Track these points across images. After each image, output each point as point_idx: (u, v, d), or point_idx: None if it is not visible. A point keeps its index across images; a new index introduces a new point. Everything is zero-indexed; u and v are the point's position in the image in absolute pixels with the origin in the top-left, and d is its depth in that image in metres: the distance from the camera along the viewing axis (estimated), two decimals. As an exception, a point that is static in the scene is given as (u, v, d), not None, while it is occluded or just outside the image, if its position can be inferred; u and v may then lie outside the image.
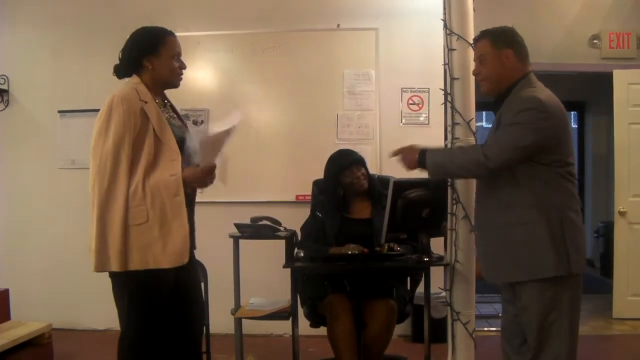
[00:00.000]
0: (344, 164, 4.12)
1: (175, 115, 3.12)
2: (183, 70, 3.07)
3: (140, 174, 2.76)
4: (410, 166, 3.15)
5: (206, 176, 2.88)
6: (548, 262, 2.79)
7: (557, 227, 2.82)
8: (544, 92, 2.89)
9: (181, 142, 2.95)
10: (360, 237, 3.93)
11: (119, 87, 2.90)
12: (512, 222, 2.87)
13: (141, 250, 2.74)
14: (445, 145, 3.80)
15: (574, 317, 2.89)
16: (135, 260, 2.73)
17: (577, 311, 2.92)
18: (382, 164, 5.52)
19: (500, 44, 3.00)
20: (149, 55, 2.94)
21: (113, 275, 2.81)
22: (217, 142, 2.93)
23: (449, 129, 3.73)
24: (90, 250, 2.81)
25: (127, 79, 2.98)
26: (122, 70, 3.00)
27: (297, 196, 5.53)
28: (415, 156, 3.08)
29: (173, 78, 3.03)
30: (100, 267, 2.74)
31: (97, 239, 2.72)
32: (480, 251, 3.15)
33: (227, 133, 2.96)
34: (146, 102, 2.84)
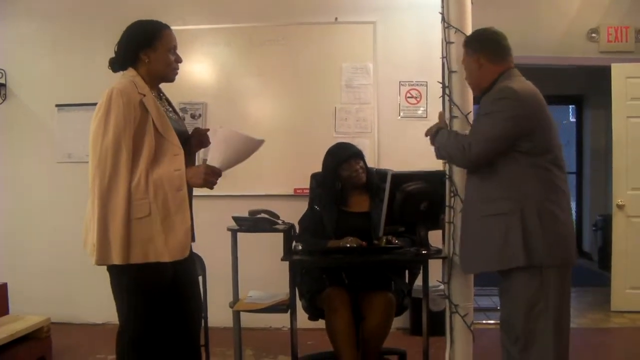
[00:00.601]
0: (342, 156, 4.12)
1: (171, 109, 3.11)
2: (179, 64, 3.06)
3: (142, 167, 2.74)
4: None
5: (208, 177, 2.85)
6: (518, 253, 2.84)
7: (533, 219, 2.86)
8: (519, 83, 2.97)
9: (180, 136, 2.95)
10: (359, 230, 3.93)
11: (116, 81, 2.89)
12: (489, 213, 2.94)
13: (143, 243, 2.73)
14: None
15: (562, 308, 2.91)
16: (137, 254, 2.72)
17: (566, 303, 2.95)
18: (380, 157, 5.53)
19: (471, 51, 3.14)
20: (146, 49, 2.92)
21: (112, 268, 2.80)
22: (237, 147, 2.94)
23: (447, 122, 3.73)
24: (86, 245, 2.81)
25: (122, 72, 2.97)
26: (117, 64, 2.98)
27: (295, 189, 5.53)
28: (433, 131, 3.28)
29: (169, 72, 3.01)
30: (101, 260, 2.72)
31: (99, 233, 2.69)
32: (462, 241, 3.22)
33: (252, 144, 3.02)
34: (144, 95, 2.83)
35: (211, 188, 2.90)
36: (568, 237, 2.95)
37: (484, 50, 3.08)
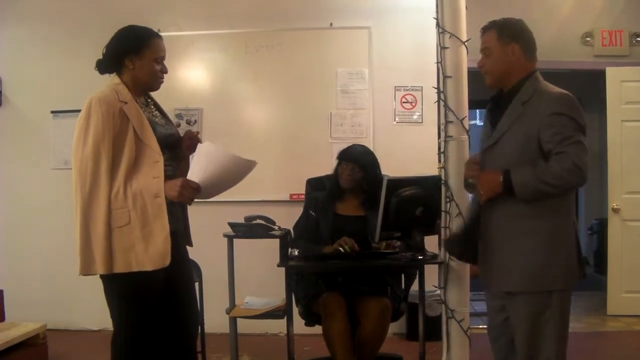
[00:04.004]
0: (342, 155, 4.18)
1: (159, 114, 3.10)
2: (164, 75, 3.03)
3: (122, 176, 2.75)
4: (495, 190, 2.83)
5: (184, 190, 2.80)
6: (561, 274, 2.76)
7: (573, 238, 2.81)
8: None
9: (166, 139, 2.96)
10: (355, 233, 3.93)
11: (98, 90, 2.89)
12: (527, 231, 2.81)
13: (124, 252, 2.74)
14: (439, 144, 3.79)
15: (566, 316, 2.85)
16: (119, 263, 2.74)
17: (569, 311, 2.88)
18: (376, 162, 5.53)
19: (507, 38, 2.93)
20: (131, 55, 2.92)
21: (103, 276, 2.81)
22: (222, 165, 2.90)
23: (442, 127, 3.73)
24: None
25: (109, 76, 2.97)
26: (103, 66, 2.99)
27: (291, 195, 5.53)
28: (499, 179, 2.80)
29: (153, 81, 3.00)
30: (85, 270, 2.76)
31: (82, 243, 2.73)
32: (490, 259, 2.99)
33: (240, 164, 2.96)
34: (126, 103, 2.83)
35: (189, 203, 2.91)
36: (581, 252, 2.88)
37: (521, 40, 2.93)
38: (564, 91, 2.84)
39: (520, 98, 2.88)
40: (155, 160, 2.83)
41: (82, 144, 2.74)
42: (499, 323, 3.01)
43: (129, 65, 2.92)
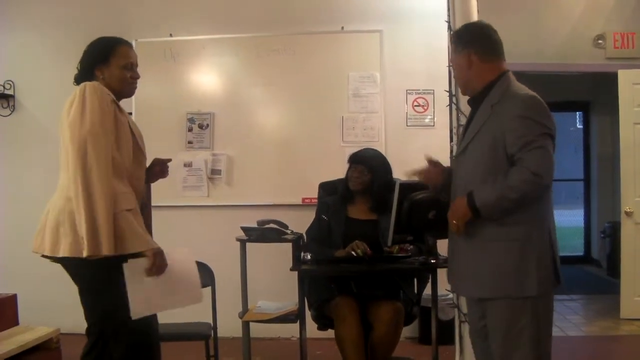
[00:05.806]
0: (351, 157, 4.21)
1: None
2: (136, 80, 3.04)
3: (125, 161, 2.82)
4: (466, 216, 2.82)
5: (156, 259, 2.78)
6: (532, 280, 2.69)
7: (546, 243, 2.75)
8: (530, 92, 2.79)
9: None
10: (367, 237, 3.93)
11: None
12: (503, 237, 2.75)
13: (134, 235, 2.72)
14: (451, 147, 3.79)
15: (544, 323, 2.78)
16: (130, 244, 2.71)
17: (548, 317, 2.82)
18: (388, 166, 5.53)
19: (460, 46, 2.92)
20: (100, 65, 2.94)
21: (94, 261, 2.76)
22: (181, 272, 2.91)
23: (454, 130, 3.73)
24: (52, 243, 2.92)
25: None
26: (80, 81, 3.00)
27: (303, 199, 5.53)
28: (464, 204, 2.80)
29: (124, 88, 3.00)
30: (94, 250, 2.69)
31: (88, 224, 2.67)
32: (461, 267, 2.98)
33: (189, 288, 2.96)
34: (114, 98, 2.88)
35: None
36: (557, 258, 2.82)
37: (474, 45, 2.87)
38: (532, 93, 2.76)
39: (489, 100, 2.82)
40: (140, 160, 2.93)
41: (79, 125, 2.75)
42: (479, 328, 2.98)
43: (99, 76, 2.94)
